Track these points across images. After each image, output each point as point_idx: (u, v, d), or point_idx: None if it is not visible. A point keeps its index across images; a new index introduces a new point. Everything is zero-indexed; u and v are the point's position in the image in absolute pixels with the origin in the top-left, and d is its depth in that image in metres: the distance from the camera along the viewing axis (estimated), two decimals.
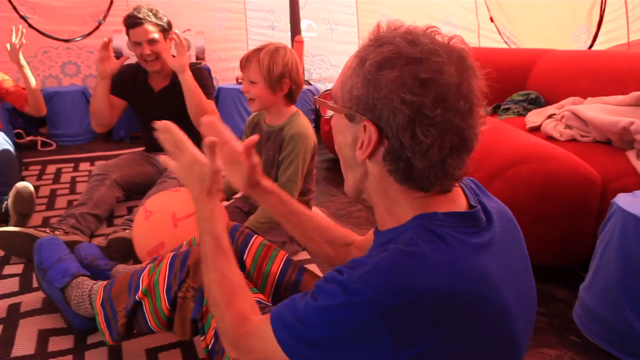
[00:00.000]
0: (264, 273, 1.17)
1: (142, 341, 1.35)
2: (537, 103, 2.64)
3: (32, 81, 2.39)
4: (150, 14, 2.18)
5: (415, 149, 0.63)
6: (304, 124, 1.76)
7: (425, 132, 0.62)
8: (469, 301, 0.61)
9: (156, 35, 2.17)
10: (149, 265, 1.19)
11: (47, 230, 1.82)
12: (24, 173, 2.77)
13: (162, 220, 1.58)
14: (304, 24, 3.94)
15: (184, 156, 0.92)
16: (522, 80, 2.84)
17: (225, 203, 2.15)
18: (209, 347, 1.03)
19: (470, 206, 0.71)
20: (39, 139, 3.41)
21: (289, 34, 3.94)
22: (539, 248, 1.77)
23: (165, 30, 2.24)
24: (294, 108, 1.81)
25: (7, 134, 2.64)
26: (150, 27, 2.16)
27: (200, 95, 2.17)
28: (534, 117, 2.36)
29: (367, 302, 0.58)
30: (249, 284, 1.09)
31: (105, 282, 1.31)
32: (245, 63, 1.69)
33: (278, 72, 1.67)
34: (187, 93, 2.15)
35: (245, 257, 1.19)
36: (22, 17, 3.65)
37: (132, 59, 2.33)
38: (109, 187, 2.12)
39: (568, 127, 2.10)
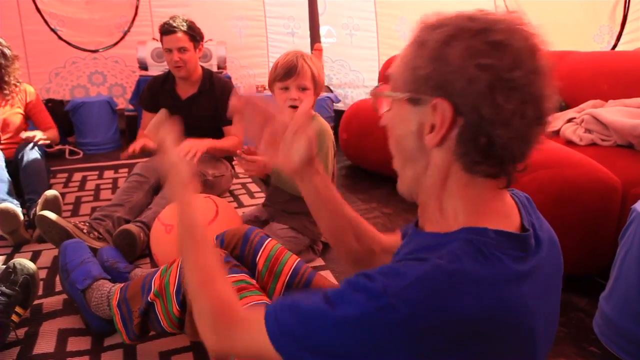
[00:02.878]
0: (275, 273, 1.19)
1: (157, 343, 1.38)
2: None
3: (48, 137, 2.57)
4: (184, 23, 2.35)
5: (497, 119, 0.59)
6: (325, 123, 1.80)
7: (507, 98, 0.58)
8: (502, 330, 0.58)
9: (187, 45, 2.34)
10: (161, 268, 1.23)
11: (85, 228, 1.92)
12: (52, 181, 2.87)
13: None
14: (323, 29, 3.96)
15: (173, 153, 0.95)
16: None
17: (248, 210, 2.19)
18: None
19: (523, 227, 0.67)
20: (67, 147, 3.53)
21: (309, 40, 3.97)
22: None
23: (196, 40, 2.40)
24: (312, 112, 1.84)
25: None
26: (182, 36, 2.33)
27: (218, 148, 2.36)
28: (553, 121, 2.32)
29: (401, 321, 0.53)
30: (256, 287, 1.11)
31: (122, 284, 1.35)
32: (297, 71, 1.68)
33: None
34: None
35: (258, 258, 1.21)
36: (52, 29, 3.81)
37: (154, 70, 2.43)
38: (146, 193, 2.20)
39: (588, 131, 2.05)
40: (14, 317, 1.40)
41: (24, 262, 1.50)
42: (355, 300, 0.56)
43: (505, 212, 0.67)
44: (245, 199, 2.64)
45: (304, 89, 1.72)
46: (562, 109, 2.58)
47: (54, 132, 2.67)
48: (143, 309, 1.20)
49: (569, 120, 2.20)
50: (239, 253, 1.21)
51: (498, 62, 0.58)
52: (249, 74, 4.35)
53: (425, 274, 0.56)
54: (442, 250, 0.60)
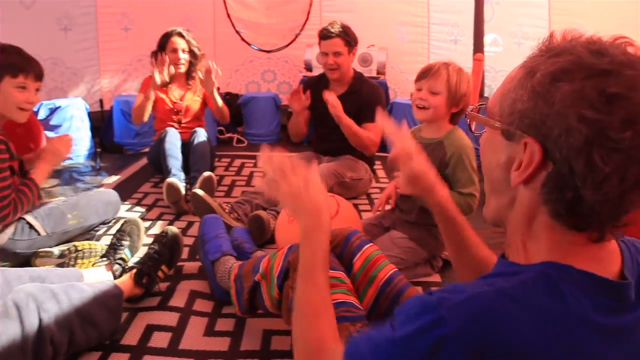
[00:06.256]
0: (370, 277, 1.21)
1: (263, 321, 1.51)
2: None
3: (219, 101, 2.85)
4: (341, 29, 2.50)
5: (589, 178, 0.53)
6: (466, 137, 1.75)
7: (605, 158, 0.52)
8: None
9: (341, 49, 2.49)
10: (271, 252, 1.35)
11: (227, 209, 2.21)
12: (216, 163, 3.28)
13: None
14: (489, 37, 3.75)
15: (295, 175, 0.95)
16: None
17: (369, 215, 2.25)
18: None
19: (622, 276, 0.59)
20: (235, 136, 4.00)
21: (472, 48, 3.81)
22: None
23: (351, 45, 2.54)
24: (451, 125, 1.80)
25: (210, 129, 3.20)
26: (337, 41, 2.48)
27: (353, 129, 2.46)
28: None
29: (451, 335, 0.52)
30: (348, 286, 1.15)
31: (241, 262, 1.52)
32: (432, 73, 1.73)
33: (463, 91, 1.72)
34: (342, 128, 2.46)
35: (355, 259, 1.25)
36: (237, 32, 4.35)
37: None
38: None
39: None
40: (160, 274, 1.67)
41: (173, 229, 1.77)
42: (411, 315, 0.57)
43: (599, 257, 0.59)
44: None
45: (434, 92, 1.71)
46: None
47: (226, 109, 2.95)
48: (251, 287, 1.33)
49: None
50: (339, 252, 1.27)
51: (606, 118, 0.51)
52: (407, 80, 4.35)
53: (483, 293, 0.55)
54: (514, 277, 0.57)
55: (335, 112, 2.37)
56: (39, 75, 1.77)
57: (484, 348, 0.51)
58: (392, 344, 0.58)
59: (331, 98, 2.37)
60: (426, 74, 1.74)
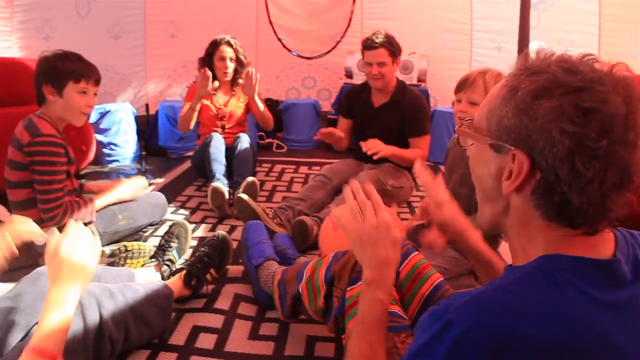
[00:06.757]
0: (415, 287, 1.21)
1: (307, 327, 1.53)
2: None
3: (261, 106, 2.87)
4: (385, 39, 2.50)
5: (573, 183, 0.59)
6: None
7: (587, 165, 0.58)
8: (568, 357, 0.56)
9: (386, 59, 2.49)
10: (315, 259, 1.36)
11: (270, 214, 2.24)
12: (257, 169, 3.34)
13: None
14: (533, 45, 3.67)
15: (373, 219, 0.92)
16: None
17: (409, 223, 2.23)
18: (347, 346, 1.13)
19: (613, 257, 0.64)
20: (275, 142, 4.06)
21: (516, 55, 3.73)
22: None
23: (395, 55, 2.54)
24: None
25: (251, 135, 3.26)
26: (382, 52, 2.48)
27: (398, 155, 2.47)
28: None
29: (460, 336, 0.56)
30: (394, 295, 1.15)
31: (285, 267, 1.54)
32: (469, 84, 1.72)
33: None
34: (391, 158, 2.50)
35: (401, 268, 1.24)
36: (279, 39, 4.42)
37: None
38: (328, 193, 2.44)
39: None
40: (208, 276, 1.71)
41: (223, 233, 1.82)
42: (425, 326, 0.61)
43: (591, 244, 0.64)
44: None
45: (473, 103, 1.70)
46: None
47: (269, 114, 2.96)
48: (294, 294, 1.35)
49: None
50: None
51: (584, 130, 0.58)
52: (448, 87, 4.31)
53: (483, 292, 0.60)
54: (511, 275, 0.63)
55: (379, 152, 2.31)
56: (97, 80, 1.86)
57: (496, 342, 0.55)
58: (413, 356, 0.62)
59: (367, 147, 2.31)
60: (463, 85, 1.73)
